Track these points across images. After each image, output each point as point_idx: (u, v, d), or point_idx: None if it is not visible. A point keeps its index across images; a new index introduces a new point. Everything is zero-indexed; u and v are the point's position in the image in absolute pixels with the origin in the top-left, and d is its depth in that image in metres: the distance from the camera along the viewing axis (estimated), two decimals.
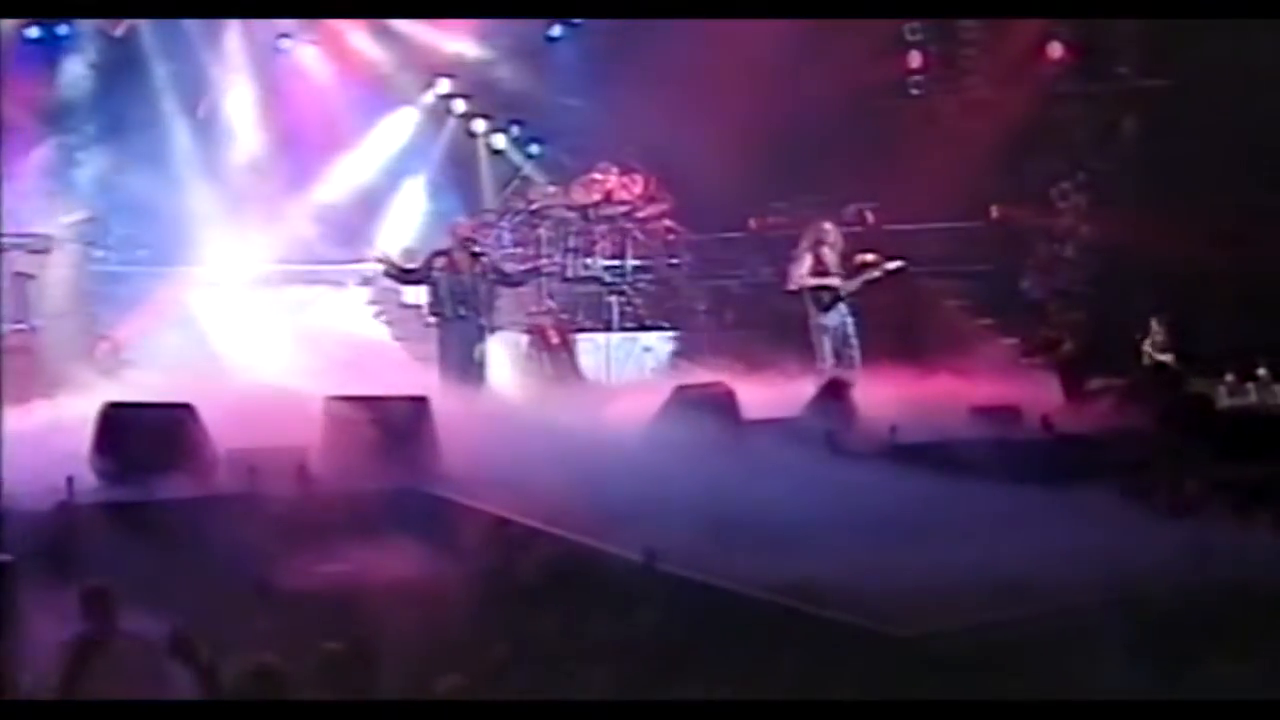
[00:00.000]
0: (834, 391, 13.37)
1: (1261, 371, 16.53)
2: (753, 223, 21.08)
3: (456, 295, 14.20)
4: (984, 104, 21.23)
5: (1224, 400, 16.19)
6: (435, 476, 10.45)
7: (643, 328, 18.23)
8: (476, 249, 14.61)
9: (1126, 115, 20.18)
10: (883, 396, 14.47)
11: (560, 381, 16.23)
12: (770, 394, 14.17)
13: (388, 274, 15.18)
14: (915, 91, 21.81)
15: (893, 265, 15.53)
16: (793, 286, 18.72)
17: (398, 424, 10.64)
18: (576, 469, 10.26)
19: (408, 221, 20.14)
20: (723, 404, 12.23)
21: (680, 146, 19.31)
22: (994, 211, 20.28)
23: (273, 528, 9.22)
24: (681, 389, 12.11)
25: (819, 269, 15.18)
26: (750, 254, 20.29)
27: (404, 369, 16.24)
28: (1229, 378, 16.47)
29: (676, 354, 17.34)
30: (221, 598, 8.48)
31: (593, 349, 17.55)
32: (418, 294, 17.72)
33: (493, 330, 14.69)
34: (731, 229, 20.96)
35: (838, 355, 15.02)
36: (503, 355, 15.74)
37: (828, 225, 15.53)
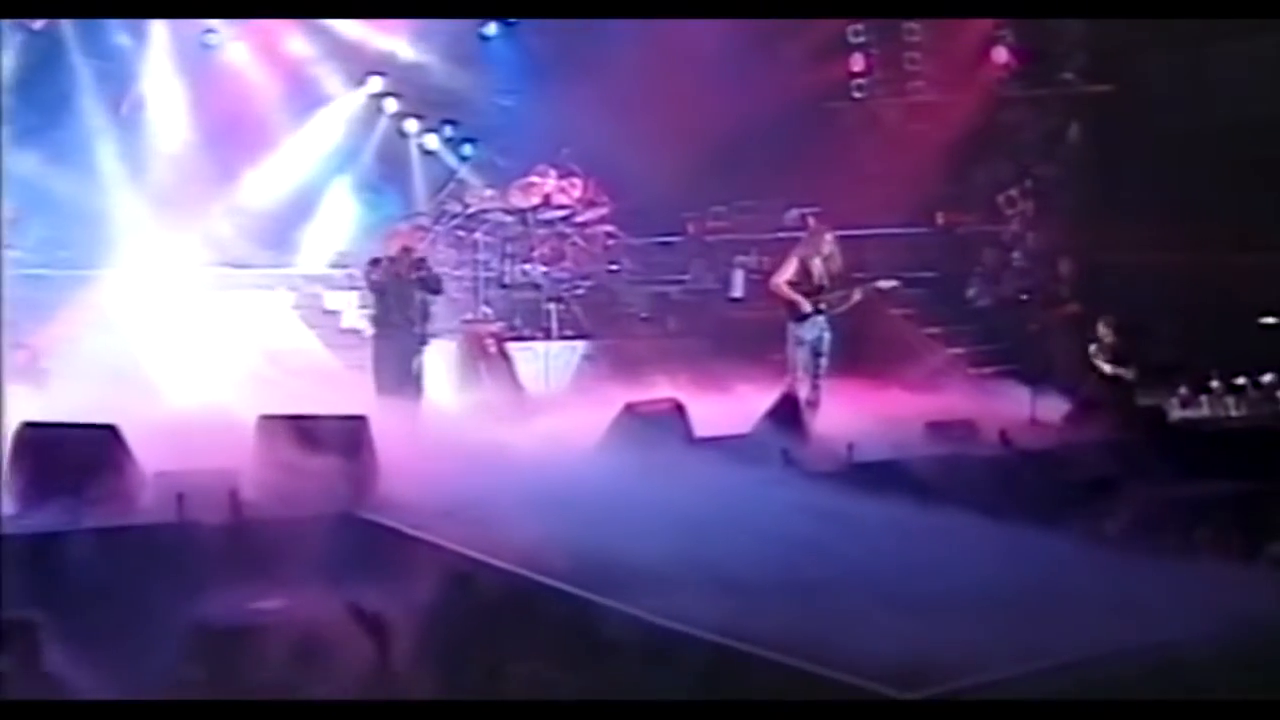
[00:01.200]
0: (788, 407, 12.89)
1: (1214, 383, 16.26)
2: (691, 227, 20.69)
3: (395, 304, 13.63)
4: (928, 108, 20.97)
5: (1176, 412, 15.91)
6: (376, 502, 9.86)
7: (582, 336, 17.67)
8: (416, 255, 14.00)
9: (1072, 120, 19.96)
10: (838, 411, 14.09)
11: (498, 392, 15.66)
12: (720, 406, 13.72)
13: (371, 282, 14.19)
14: (858, 95, 21.53)
15: (887, 284, 15.05)
16: (735, 291, 18.42)
17: (336, 445, 10.00)
18: (524, 494, 9.74)
19: (338, 224, 19.54)
20: (673, 421, 11.74)
21: (617, 148, 18.87)
22: (939, 218, 19.99)
23: (203, 560, 8.64)
24: (631, 407, 11.57)
25: (803, 278, 14.63)
26: (690, 259, 19.85)
27: (334, 379, 15.64)
28: (1182, 390, 16.19)
29: (617, 363, 16.74)
30: (147, 637, 7.87)
31: (531, 358, 16.98)
32: (338, 300, 17.25)
33: (429, 340, 14.08)
34: (669, 233, 20.56)
35: (808, 368, 14.46)
36: (439, 365, 15.13)
37: (829, 237, 14.96)
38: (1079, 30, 19.82)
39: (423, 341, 13.84)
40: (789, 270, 14.82)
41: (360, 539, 9.13)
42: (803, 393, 14.20)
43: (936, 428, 13.20)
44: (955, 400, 15.37)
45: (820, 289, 14.68)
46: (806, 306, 14.57)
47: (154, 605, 8.16)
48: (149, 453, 10.06)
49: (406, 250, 13.88)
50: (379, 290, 13.73)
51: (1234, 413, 16.16)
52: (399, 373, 13.48)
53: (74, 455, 9.38)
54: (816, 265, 14.77)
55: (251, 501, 9.47)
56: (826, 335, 14.74)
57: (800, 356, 14.56)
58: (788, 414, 12.70)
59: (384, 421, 11.07)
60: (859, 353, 15.96)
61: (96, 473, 9.40)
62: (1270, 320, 17.18)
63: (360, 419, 10.37)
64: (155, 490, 9.66)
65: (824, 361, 14.68)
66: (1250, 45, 18.60)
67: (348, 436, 10.16)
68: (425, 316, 13.84)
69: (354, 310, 17.29)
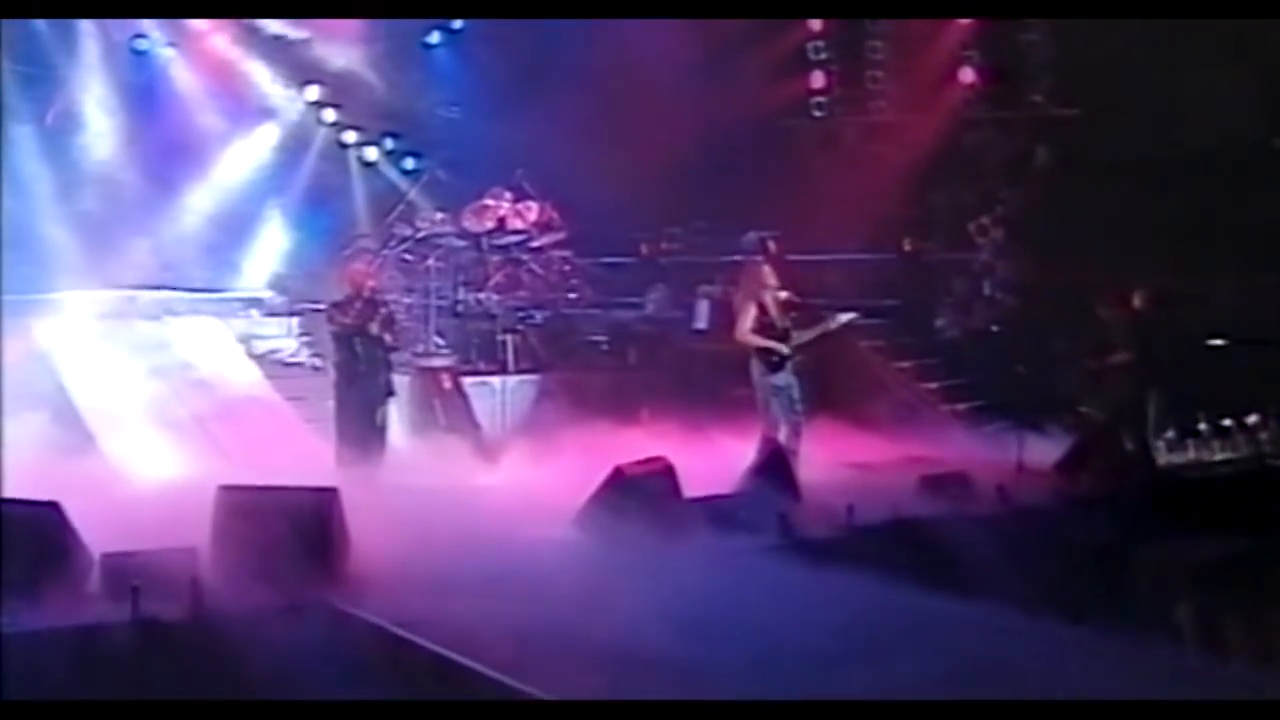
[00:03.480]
0: (777, 461, 12.10)
1: (1202, 425, 15.67)
2: (644, 248, 19.85)
3: (360, 352, 12.70)
4: (891, 128, 20.28)
5: (1163, 457, 15.32)
6: (347, 584, 8.91)
7: (540, 369, 16.68)
8: (378, 297, 13.07)
9: (1040, 144, 19.36)
10: (821, 459, 13.33)
11: (455, 432, 14.73)
12: (694, 448, 12.97)
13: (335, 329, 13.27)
14: (818, 113, 20.82)
15: (845, 317, 14.08)
16: (700, 323, 17.57)
17: (305, 521, 9.00)
18: (510, 579, 8.88)
19: (275, 243, 18.51)
20: (664, 486, 10.88)
21: (567, 165, 18.03)
22: (906, 244, 19.28)
23: (162, 662, 7.68)
24: (620, 472, 10.66)
25: (765, 322, 13.66)
26: (648, 286, 18.93)
27: (277, 412, 14.71)
28: (1169, 433, 15.59)
29: (578, 399, 15.77)
30: None
31: (488, 394, 15.96)
32: (276, 326, 16.29)
33: (394, 390, 13.15)
34: (622, 255, 19.68)
35: (787, 416, 13.55)
36: (393, 404, 14.12)
37: (765, 268, 14.04)
38: (1046, 53, 19.26)
39: (389, 392, 12.92)
40: (749, 317, 13.78)
41: (336, 635, 8.17)
42: (781, 439, 13.34)
43: (931, 483, 12.47)
44: (938, 443, 14.77)
45: (786, 330, 13.75)
46: (785, 349, 13.66)
47: None
48: (95, 530, 9.00)
49: (374, 291, 13.00)
50: (344, 337, 12.80)
51: (1219, 456, 15.60)
52: (362, 426, 12.58)
53: (9, 541, 8.27)
54: (769, 301, 13.85)
55: (213, 587, 8.46)
56: (795, 380, 13.81)
57: (776, 405, 13.59)
58: (777, 470, 11.92)
59: (348, 482, 10.17)
60: (832, 392, 15.25)
61: (36, 559, 8.32)
62: (1218, 341, 16.60)
63: (331, 491, 9.36)
64: (104, 577, 8.62)
65: (800, 406, 13.78)
66: (1218, 70, 18.15)
67: (318, 512, 9.15)
68: (389, 366, 12.94)
69: (293, 339, 16.31)
